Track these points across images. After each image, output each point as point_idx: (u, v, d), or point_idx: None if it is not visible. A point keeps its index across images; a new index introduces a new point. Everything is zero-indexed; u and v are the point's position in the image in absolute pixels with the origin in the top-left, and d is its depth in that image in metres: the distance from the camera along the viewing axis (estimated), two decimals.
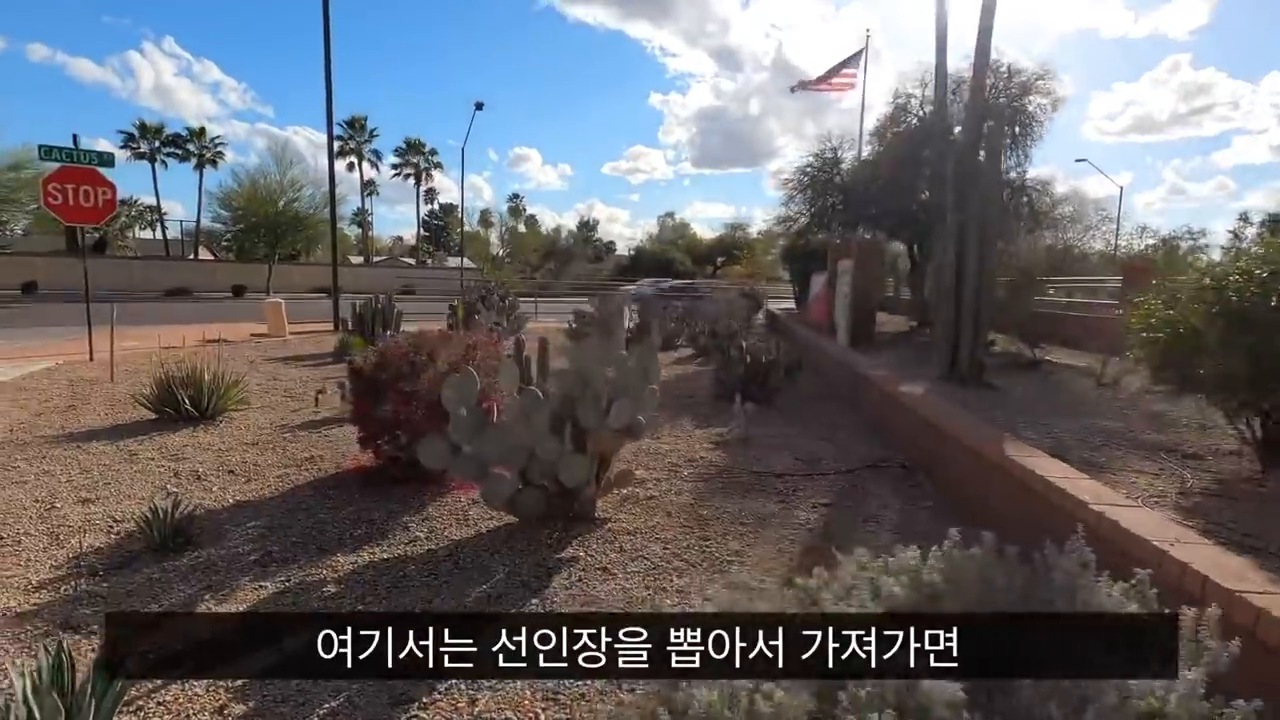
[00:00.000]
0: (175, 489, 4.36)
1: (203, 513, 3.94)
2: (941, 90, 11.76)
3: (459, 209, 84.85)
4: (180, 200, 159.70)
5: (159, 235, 53.60)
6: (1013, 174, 12.51)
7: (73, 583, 3.12)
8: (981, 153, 6.61)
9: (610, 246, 76.72)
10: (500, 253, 55.34)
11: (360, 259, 55.24)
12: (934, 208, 12.41)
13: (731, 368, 7.51)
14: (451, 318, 13.56)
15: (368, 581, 3.18)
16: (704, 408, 7.03)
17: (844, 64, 19.75)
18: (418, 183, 60.58)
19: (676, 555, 3.47)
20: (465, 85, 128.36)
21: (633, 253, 54.71)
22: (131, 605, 2.93)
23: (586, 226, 78.40)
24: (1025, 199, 12.35)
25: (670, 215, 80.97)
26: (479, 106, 33.73)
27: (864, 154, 15.28)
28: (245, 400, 6.59)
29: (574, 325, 13.78)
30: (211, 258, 42.90)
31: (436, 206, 75.92)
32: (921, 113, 13.20)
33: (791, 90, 21.90)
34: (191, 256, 45.03)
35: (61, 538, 3.61)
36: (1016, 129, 12.10)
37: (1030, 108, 12.29)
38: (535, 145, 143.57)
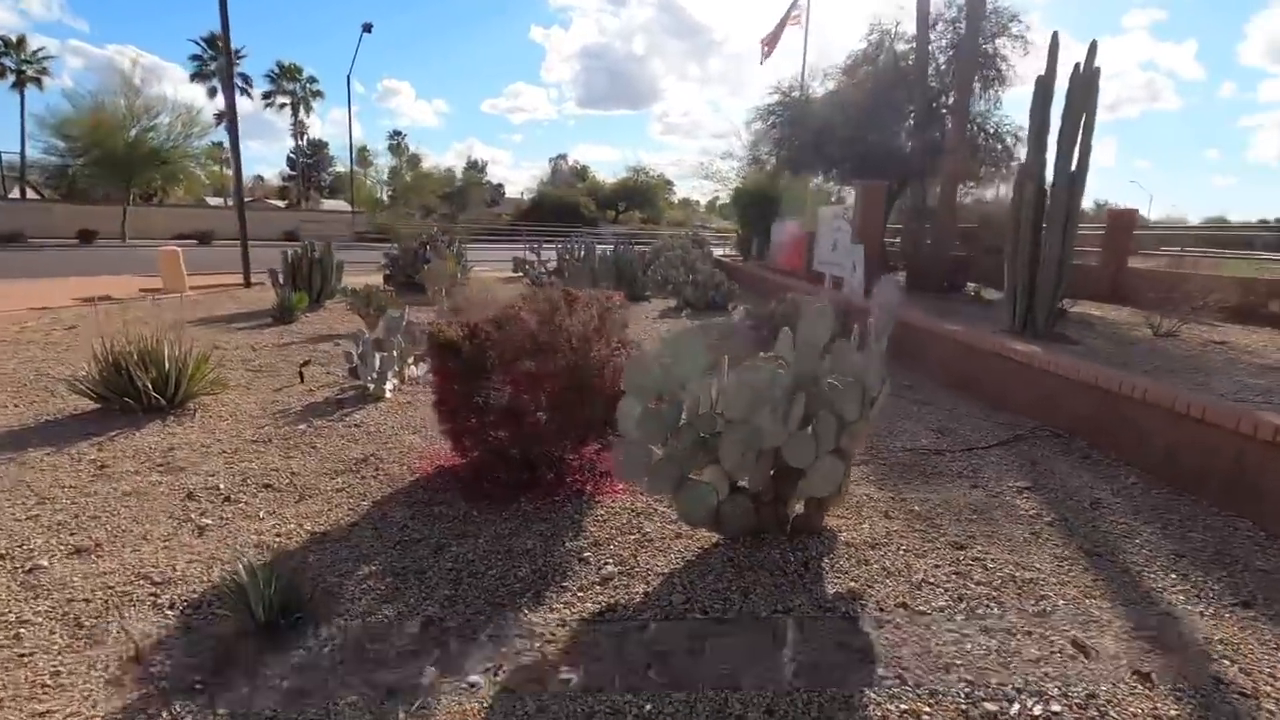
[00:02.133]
0: (208, 519, 3.10)
1: (276, 557, 2.76)
2: (923, 27, 11.34)
3: (328, 147, 77.63)
4: None
5: None
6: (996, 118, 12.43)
7: None
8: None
9: (500, 189, 73.02)
10: (385, 195, 50.96)
11: (219, 200, 48.94)
12: (917, 151, 12.14)
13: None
14: (400, 268, 11.95)
15: (623, 656, 2.23)
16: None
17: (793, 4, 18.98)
18: (295, 114, 54.09)
19: (960, 575, 2.75)
20: (330, 8, 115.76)
21: (534, 196, 52.11)
22: None
23: (475, 168, 74.02)
24: (1001, 144, 12.29)
25: (563, 158, 78.15)
26: (367, 29, 30.22)
27: (819, 91, 14.69)
28: (221, 381, 5.10)
29: (535, 277, 12.50)
30: (38, 197, 36.25)
31: (305, 143, 68.77)
32: (899, 49, 12.73)
33: (762, 64, 20.85)
34: (16, 195, 37.85)
35: (83, 626, 2.34)
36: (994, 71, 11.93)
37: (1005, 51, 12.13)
38: (407, 78, 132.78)
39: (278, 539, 2.96)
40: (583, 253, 12.88)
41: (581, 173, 63.65)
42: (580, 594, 2.60)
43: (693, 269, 13.80)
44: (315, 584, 2.58)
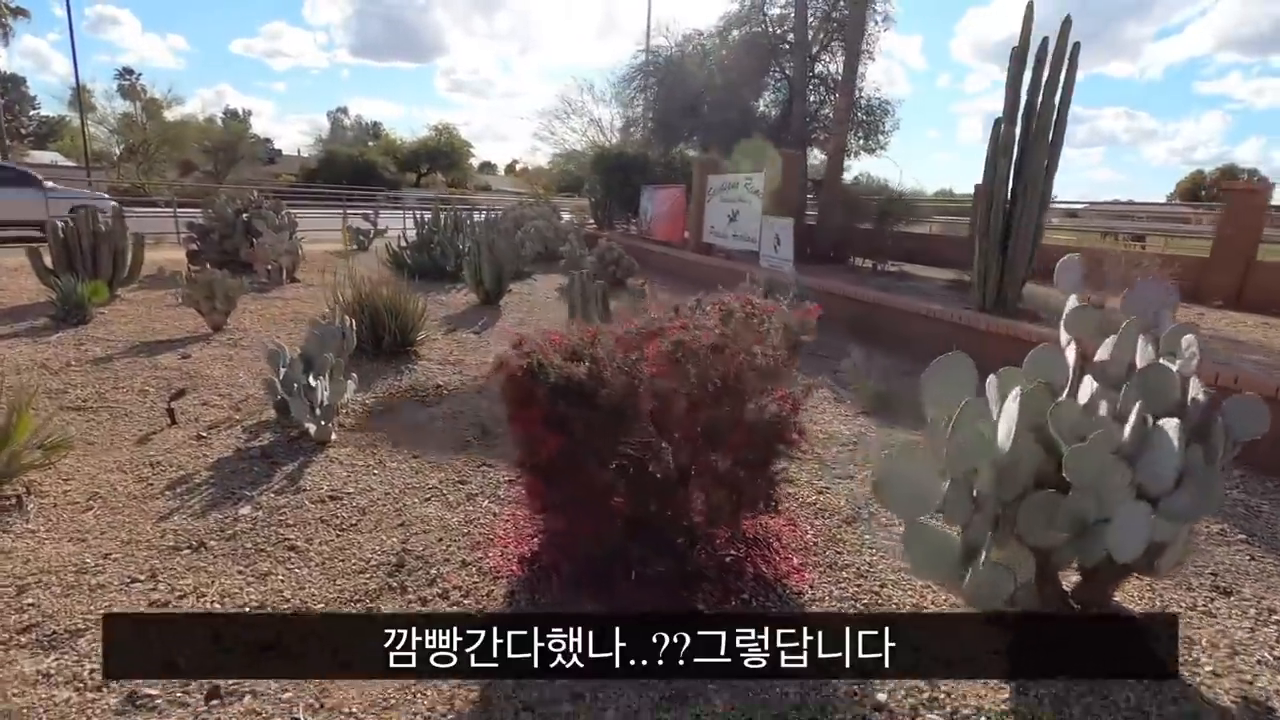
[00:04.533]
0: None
1: None
2: None
3: (26, 84, 62.07)
4: None
5: None
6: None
7: None
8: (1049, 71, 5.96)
9: (269, 143, 63.71)
10: (119, 147, 41.54)
11: None
12: (796, 120, 12.00)
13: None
14: (210, 245, 9.36)
15: None
16: None
17: None
18: None
19: None
20: None
21: (321, 154, 45.84)
22: None
23: (237, 118, 63.64)
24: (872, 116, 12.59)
25: (344, 111, 70.14)
26: None
27: (686, 52, 14.07)
28: (59, 442, 3.17)
29: (391, 252, 10.48)
30: None
31: None
32: (772, 14, 12.43)
33: None
34: None
35: None
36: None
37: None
38: (128, 5, 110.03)
39: None
40: (447, 223, 11.07)
41: (374, 129, 57.56)
42: None
43: (564, 240, 12.66)
44: None
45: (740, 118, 13.05)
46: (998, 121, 6.11)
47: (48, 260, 6.96)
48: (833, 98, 12.34)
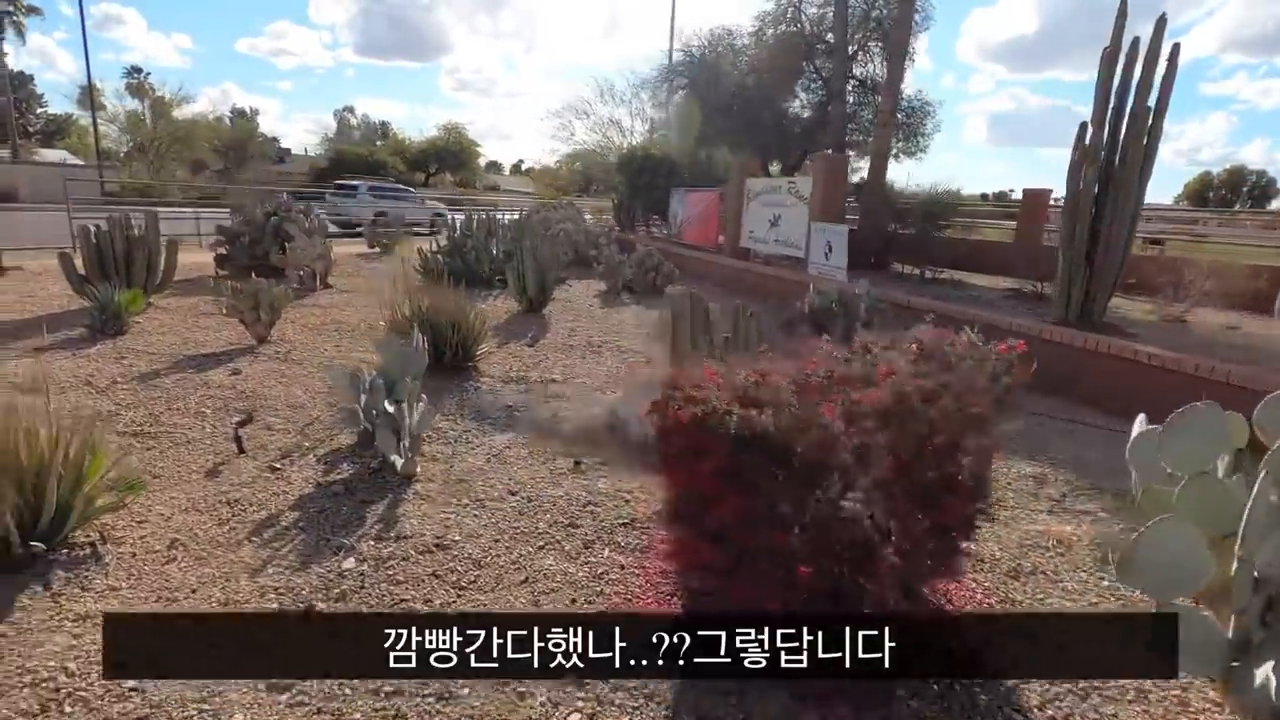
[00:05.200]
0: None
1: None
2: None
3: (34, 82, 62.01)
4: None
5: None
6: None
7: None
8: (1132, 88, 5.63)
9: (276, 142, 63.48)
10: (127, 145, 41.24)
11: None
12: (835, 122, 11.68)
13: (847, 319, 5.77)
14: (263, 246, 9.07)
15: None
16: None
17: None
18: None
19: None
20: None
21: (331, 154, 45.47)
22: None
23: (244, 117, 63.42)
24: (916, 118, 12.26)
25: (350, 110, 69.88)
26: None
27: (720, 53, 13.75)
28: (133, 481, 2.87)
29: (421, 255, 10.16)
30: None
31: (3, 76, 53.85)
32: (810, 13, 12.12)
33: None
34: None
35: None
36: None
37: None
38: (134, 3, 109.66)
39: None
40: (480, 227, 10.76)
41: (382, 129, 57.30)
42: None
43: (593, 244, 12.37)
44: None
45: (774, 119, 12.74)
46: (1083, 126, 5.80)
47: (79, 264, 6.66)
48: (875, 99, 12.03)
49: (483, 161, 68.05)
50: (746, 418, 1.92)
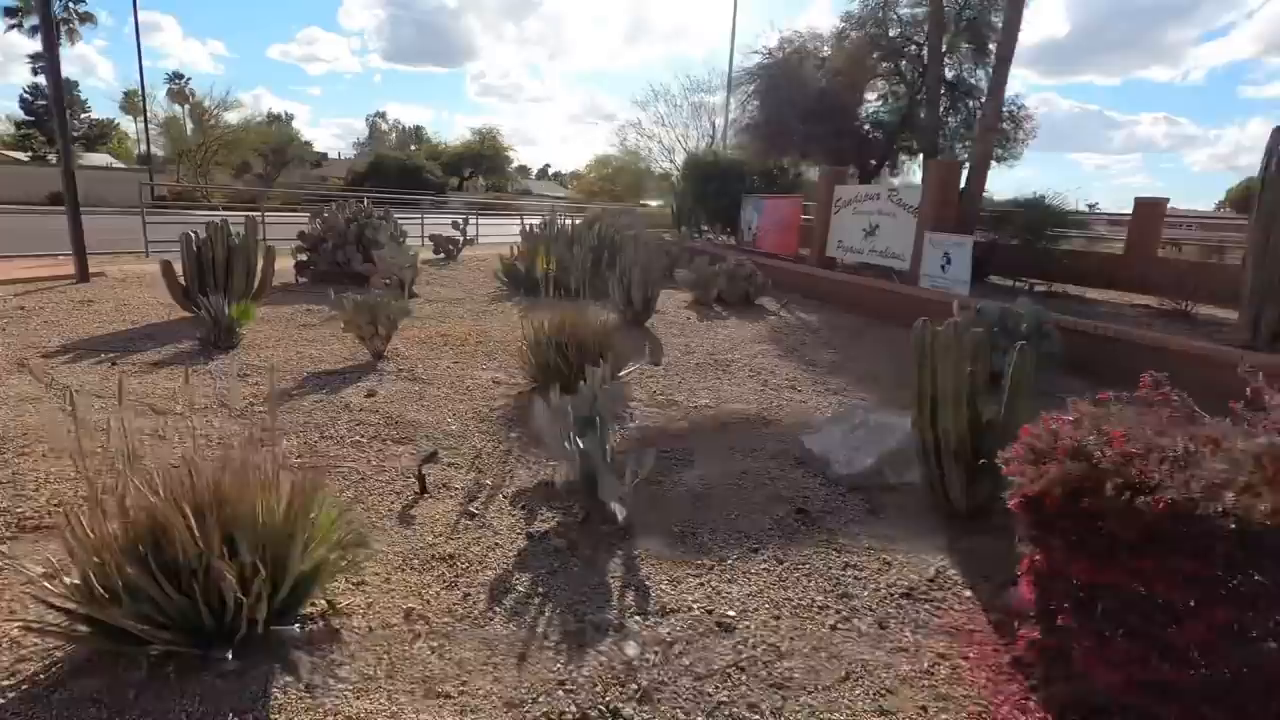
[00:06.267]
0: None
1: None
2: None
3: (78, 88, 63.33)
4: None
5: None
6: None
7: None
8: None
9: (309, 146, 64.13)
10: (163, 150, 41.48)
11: None
12: (927, 129, 11.18)
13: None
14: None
15: None
16: None
17: None
18: (54, 39, 41.89)
19: None
20: None
21: (370, 158, 45.67)
22: None
23: (279, 121, 64.15)
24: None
25: (381, 115, 70.41)
26: None
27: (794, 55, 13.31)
28: (362, 538, 2.48)
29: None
30: None
31: (44, 82, 54.87)
32: (901, 14, 11.63)
33: None
34: None
35: None
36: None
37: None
38: (172, 11, 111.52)
39: None
40: (560, 233, 10.40)
41: (416, 133, 57.59)
42: None
43: (665, 253, 11.96)
44: None
45: (851, 124, 12.27)
46: (1277, 130, 5.27)
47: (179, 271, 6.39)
48: (967, 103, 11.52)
49: (512, 167, 68.25)
50: (1249, 509, 1.48)
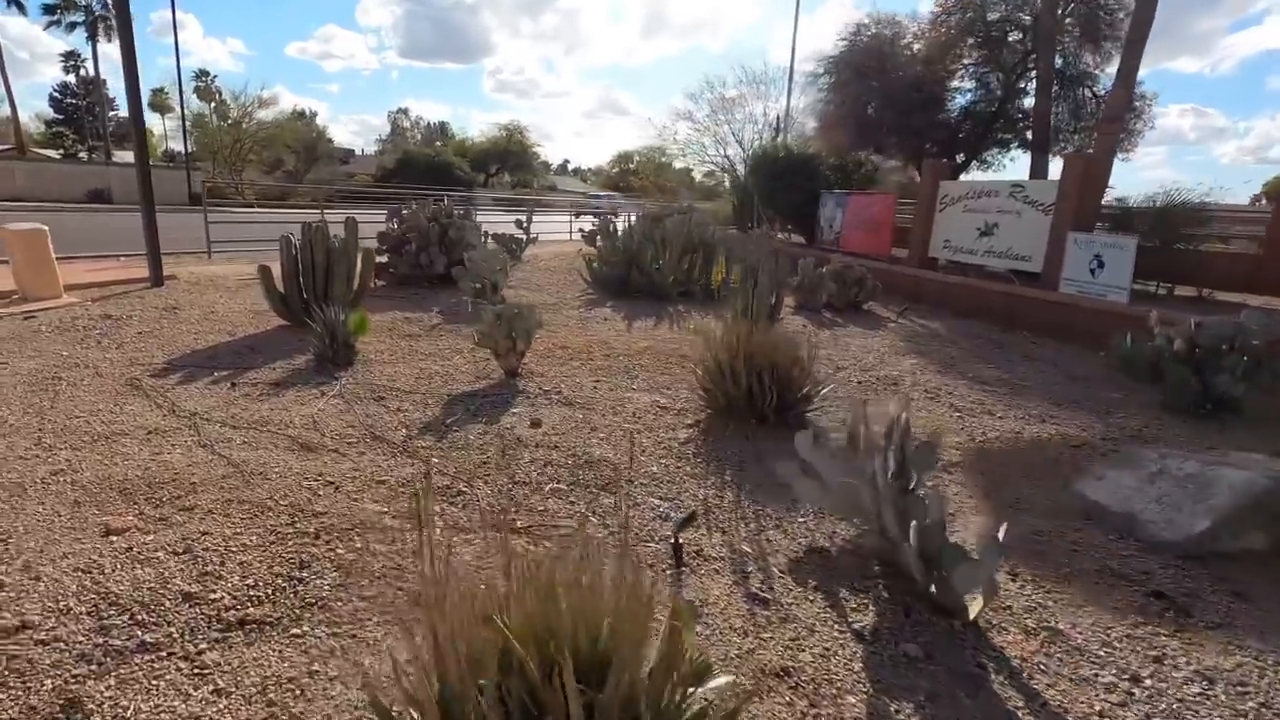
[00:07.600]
0: None
1: None
2: None
3: (107, 85, 63.72)
4: None
5: None
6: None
7: None
8: None
9: (330, 142, 63.96)
10: (190, 147, 41.10)
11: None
12: (1039, 119, 10.42)
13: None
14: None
15: None
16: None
17: None
18: (92, 38, 41.90)
19: None
20: None
21: (399, 155, 45.23)
22: None
23: (303, 118, 64.04)
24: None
25: (404, 111, 70.19)
26: None
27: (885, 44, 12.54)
28: (707, 667, 1.86)
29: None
30: None
31: (74, 80, 55.11)
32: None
33: None
34: None
35: None
36: None
37: None
38: (191, 9, 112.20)
39: None
40: (649, 232, 9.73)
41: (441, 129, 57.22)
42: None
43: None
44: None
45: (942, 116, 11.51)
46: None
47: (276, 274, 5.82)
48: (1077, 91, 10.73)
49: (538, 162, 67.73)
50: None
